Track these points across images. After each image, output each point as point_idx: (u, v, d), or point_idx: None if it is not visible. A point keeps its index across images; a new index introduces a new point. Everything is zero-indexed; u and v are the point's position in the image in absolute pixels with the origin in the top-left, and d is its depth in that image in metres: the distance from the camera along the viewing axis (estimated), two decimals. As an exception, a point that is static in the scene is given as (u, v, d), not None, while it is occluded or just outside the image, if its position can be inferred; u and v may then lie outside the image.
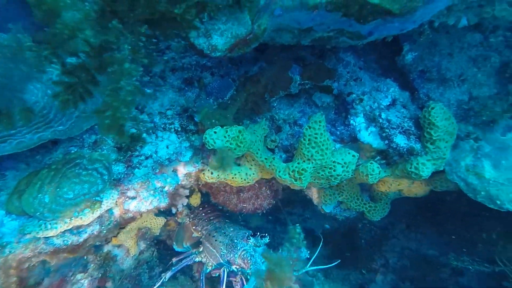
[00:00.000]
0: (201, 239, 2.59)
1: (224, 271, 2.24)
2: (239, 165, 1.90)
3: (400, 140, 1.59)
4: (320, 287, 3.45)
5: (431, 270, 3.06)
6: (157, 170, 1.37)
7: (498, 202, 1.52)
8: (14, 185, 1.19)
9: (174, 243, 2.78)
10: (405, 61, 1.68)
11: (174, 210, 2.97)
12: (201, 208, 2.92)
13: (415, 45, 1.67)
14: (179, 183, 1.54)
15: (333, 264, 2.38)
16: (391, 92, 1.66)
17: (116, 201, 1.25)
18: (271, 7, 0.98)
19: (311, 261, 2.07)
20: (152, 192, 1.33)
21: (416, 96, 1.67)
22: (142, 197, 1.30)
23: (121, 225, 1.77)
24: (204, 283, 2.37)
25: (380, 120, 1.62)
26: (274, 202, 2.69)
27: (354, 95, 1.71)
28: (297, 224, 2.47)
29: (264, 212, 2.76)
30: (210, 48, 1.05)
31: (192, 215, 2.87)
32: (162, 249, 3.26)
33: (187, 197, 2.98)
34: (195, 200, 3.11)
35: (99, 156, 1.15)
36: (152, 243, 3.12)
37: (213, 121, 1.49)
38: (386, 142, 1.64)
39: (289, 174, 1.70)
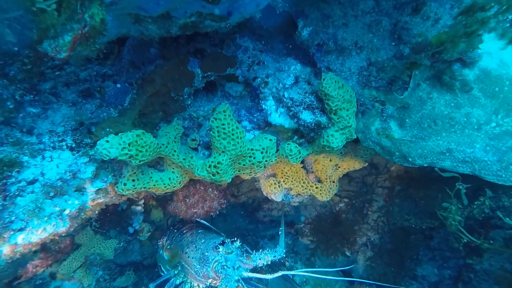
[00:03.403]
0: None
1: None
2: (161, 170, 1.83)
3: (307, 116, 1.57)
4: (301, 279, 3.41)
5: (405, 238, 3.05)
6: (52, 194, 1.28)
7: (410, 159, 1.53)
8: None
9: (163, 269, 2.61)
10: (302, 37, 1.67)
11: (131, 230, 2.86)
12: (171, 227, 2.83)
13: (308, 20, 1.67)
14: (87, 202, 1.46)
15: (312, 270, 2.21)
16: (292, 70, 1.64)
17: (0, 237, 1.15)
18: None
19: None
20: (46, 218, 1.24)
21: (318, 70, 1.66)
22: (31, 227, 1.20)
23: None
24: None
25: (285, 100, 1.60)
26: (226, 201, 2.65)
27: (259, 79, 1.69)
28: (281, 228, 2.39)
29: (218, 213, 2.70)
30: (54, 50, 0.98)
31: (165, 235, 2.77)
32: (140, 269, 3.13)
33: (142, 213, 2.88)
34: (157, 214, 3.02)
35: None
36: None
37: (108, 129, 1.42)
38: (295, 120, 1.62)
39: (206, 170, 1.65)
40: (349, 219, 3.14)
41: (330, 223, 3.17)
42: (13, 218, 1.15)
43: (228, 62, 1.66)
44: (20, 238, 1.16)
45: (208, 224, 2.85)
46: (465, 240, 1.54)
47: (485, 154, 1.28)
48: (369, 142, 1.63)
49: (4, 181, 1.13)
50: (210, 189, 2.47)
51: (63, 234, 1.30)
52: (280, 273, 1.97)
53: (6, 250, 1.15)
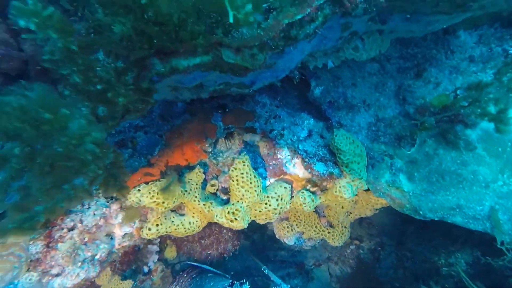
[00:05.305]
0: None
1: None
2: (182, 214, 1.94)
3: (320, 167, 1.69)
4: None
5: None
6: (86, 239, 1.40)
7: (421, 212, 1.58)
8: None
9: None
10: (315, 95, 1.86)
11: (146, 269, 2.90)
12: (181, 272, 2.86)
13: (320, 80, 1.86)
14: (115, 246, 1.56)
15: None
16: (306, 124, 1.80)
17: (39, 282, 1.24)
18: (148, 75, 1.13)
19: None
20: (79, 264, 1.34)
21: (330, 125, 1.81)
22: (68, 272, 1.30)
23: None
24: None
25: (299, 152, 1.74)
26: (239, 243, 2.68)
27: (275, 131, 1.85)
28: (264, 267, 2.50)
29: (232, 254, 2.73)
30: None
31: (174, 280, 2.79)
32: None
33: (158, 252, 2.94)
34: (171, 253, 3.06)
35: (14, 238, 1.17)
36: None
37: (139, 179, 1.57)
38: (309, 170, 1.73)
39: (225, 216, 1.75)
40: (363, 261, 3.07)
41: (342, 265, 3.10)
42: (53, 263, 1.26)
43: (248, 116, 1.84)
44: (57, 284, 1.26)
45: (209, 267, 2.86)
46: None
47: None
48: (379, 193, 1.71)
49: (50, 228, 1.26)
50: (224, 231, 2.53)
51: (93, 280, 1.38)
52: None
53: (43, 294, 1.24)
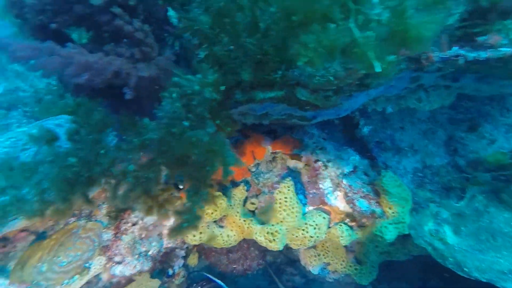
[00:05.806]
0: None
1: None
2: (222, 226, 2.05)
3: (362, 204, 1.73)
4: None
5: None
6: (143, 235, 1.55)
7: (466, 269, 1.55)
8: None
9: None
10: (362, 133, 1.93)
11: (170, 272, 3.02)
12: (194, 284, 2.95)
13: (370, 120, 1.94)
14: (163, 246, 1.69)
15: None
16: (351, 160, 1.87)
17: (104, 266, 1.40)
18: (229, 103, 1.30)
19: None
20: (136, 256, 1.48)
21: (375, 164, 1.86)
22: (127, 262, 1.45)
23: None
24: None
25: (343, 185, 1.80)
26: (263, 262, 2.71)
27: (320, 162, 1.93)
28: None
29: (256, 273, 2.75)
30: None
31: None
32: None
33: (184, 257, 3.06)
34: (193, 260, 3.17)
35: (92, 225, 1.36)
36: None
37: (193, 187, 1.72)
38: (351, 205, 1.78)
39: (264, 235, 1.83)
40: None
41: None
42: (116, 251, 1.41)
43: (295, 144, 1.95)
44: (118, 270, 1.40)
45: (223, 284, 2.88)
46: None
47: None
48: (421, 241, 1.70)
49: (119, 220, 1.43)
50: (252, 248, 2.59)
51: (145, 273, 1.50)
52: None
53: (105, 277, 1.39)
